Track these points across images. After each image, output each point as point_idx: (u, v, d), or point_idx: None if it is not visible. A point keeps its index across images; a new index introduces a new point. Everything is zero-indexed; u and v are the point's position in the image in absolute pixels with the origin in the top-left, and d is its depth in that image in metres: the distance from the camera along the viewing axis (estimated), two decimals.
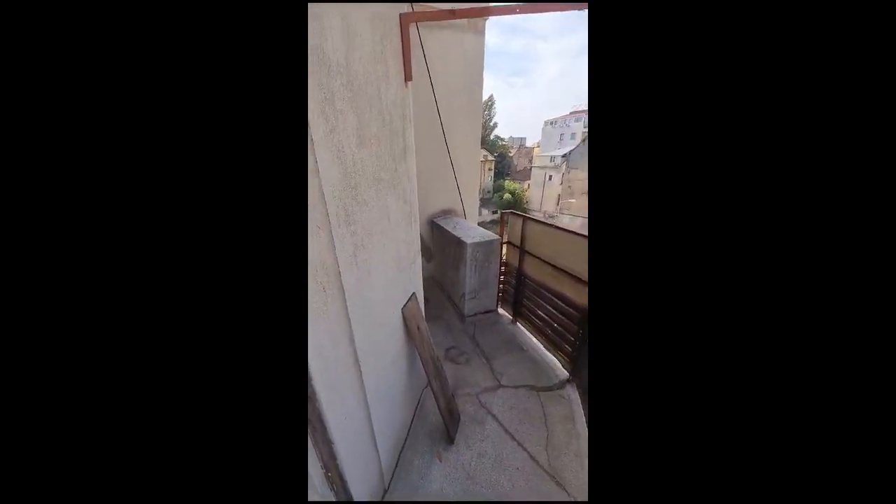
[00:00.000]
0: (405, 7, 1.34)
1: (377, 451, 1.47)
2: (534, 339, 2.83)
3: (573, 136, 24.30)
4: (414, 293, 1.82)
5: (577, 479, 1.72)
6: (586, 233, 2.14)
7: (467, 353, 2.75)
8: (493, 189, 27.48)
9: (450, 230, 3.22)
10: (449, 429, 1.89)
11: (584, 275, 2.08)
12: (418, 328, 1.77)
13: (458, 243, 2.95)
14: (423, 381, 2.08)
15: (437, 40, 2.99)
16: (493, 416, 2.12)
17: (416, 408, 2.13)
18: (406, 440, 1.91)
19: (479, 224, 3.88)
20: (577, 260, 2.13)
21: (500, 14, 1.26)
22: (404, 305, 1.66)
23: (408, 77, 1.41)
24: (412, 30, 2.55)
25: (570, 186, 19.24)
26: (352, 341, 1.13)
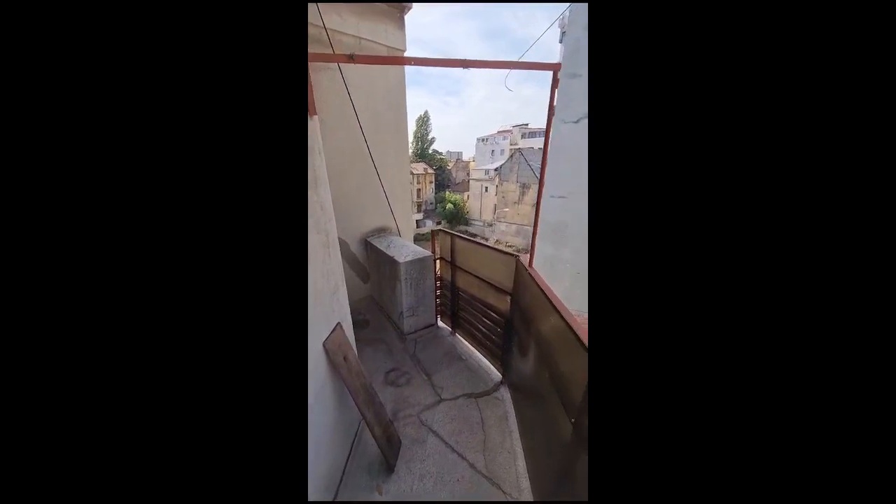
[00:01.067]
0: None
1: None
2: (471, 347, 2.99)
3: (502, 151, 26.88)
4: (339, 323, 1.76)
5: (509, 475, 1.87)
6: (502, 246, 2.40)
7: (409, 372, 2.74)
8: (436, 200, 28.27)
9: (383, 249, 3.21)
10: (388, 458, 1.85)
11: (504, 284, 2.32)
12: (345, 359, 1.71)
13: (392, 263, 2.97)
14: (358, 413, 2.00)
15: (358, 67, 3.04)
16: (434, 433, 2.15)
17: (353, 443, 2.02)
18: (341, 481, 1.80)
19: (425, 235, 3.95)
20: (497, 271, 2.36)
21: (394, 63, 1.37)
22: (327, 339, 1.59)
23: (311, 111, 1.41)
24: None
25: (504, 197, 21.09)
26: None
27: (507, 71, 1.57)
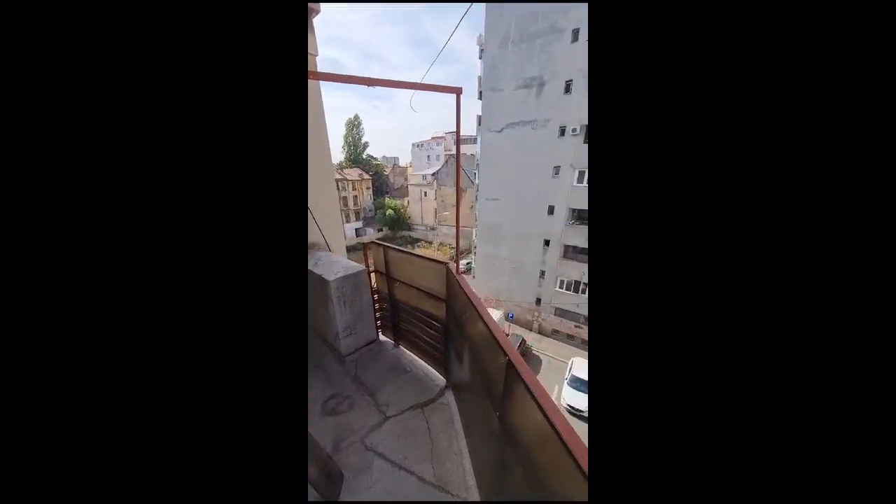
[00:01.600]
0: None
1: None
2: (416, 357, 2.98)
3: (438, 157, 27.64)
4: None
5: (457, 477, 1.93)
6: (445, 248, 2.47)
7: (351, 396, 2.57)
8: (376, 207, 27.33)
9: (311, 268, 2.95)
10: (328, 496, 1.70)
11: (438, 292, 2.38)
12: None
13: (321, 282, 2.75)
14: None
15: None
16: (380, 455, 2.07)
17: None
18: None
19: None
20: (431, 280, 2.42)
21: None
22: None
23: None
24: None
25: (443, 201, 21.70)
26: None
27: (430, 76, 1.63)
